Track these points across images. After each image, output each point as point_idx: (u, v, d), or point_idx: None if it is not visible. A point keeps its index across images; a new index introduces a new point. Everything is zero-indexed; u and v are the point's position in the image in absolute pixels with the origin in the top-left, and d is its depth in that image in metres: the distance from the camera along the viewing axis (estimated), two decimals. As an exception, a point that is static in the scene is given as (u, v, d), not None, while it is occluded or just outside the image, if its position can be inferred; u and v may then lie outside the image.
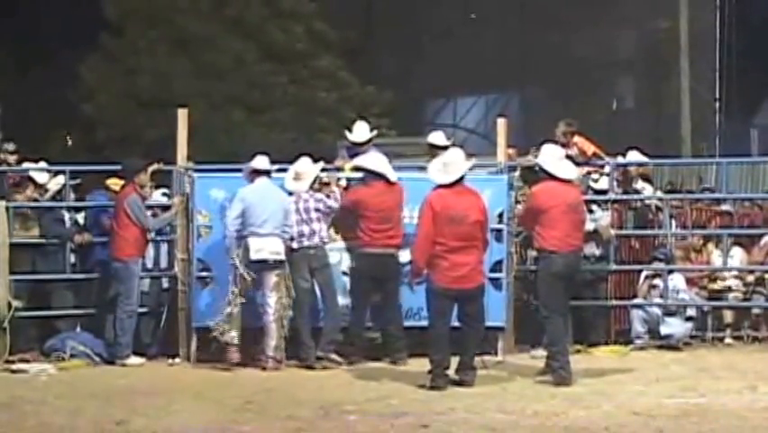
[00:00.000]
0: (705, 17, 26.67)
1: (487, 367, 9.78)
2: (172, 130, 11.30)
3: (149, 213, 11.00)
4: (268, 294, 10.29)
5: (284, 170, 11.20)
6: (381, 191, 10.47)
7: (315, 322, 10.59)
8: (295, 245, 10.47)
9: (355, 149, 11.52)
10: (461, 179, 9.26)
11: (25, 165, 11.87)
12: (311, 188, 10.60)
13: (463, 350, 9.27)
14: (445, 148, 11.42)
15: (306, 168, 10.68)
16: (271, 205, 10.31)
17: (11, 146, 12.50)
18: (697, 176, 18.25)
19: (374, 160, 10.69)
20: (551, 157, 9.56)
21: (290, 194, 10.62)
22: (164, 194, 11.62)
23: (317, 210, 10.54)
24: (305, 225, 10.47)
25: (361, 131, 11.51)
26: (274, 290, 10.30)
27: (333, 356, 10.42)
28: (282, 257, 10.30)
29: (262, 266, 10.24)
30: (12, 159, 12.26)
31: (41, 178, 11.43)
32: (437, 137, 11.74)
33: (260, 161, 10.54)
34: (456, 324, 9.37)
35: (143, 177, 10.98)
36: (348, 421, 7.86)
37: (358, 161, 10.87)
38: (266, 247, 10.23)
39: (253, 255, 10.21)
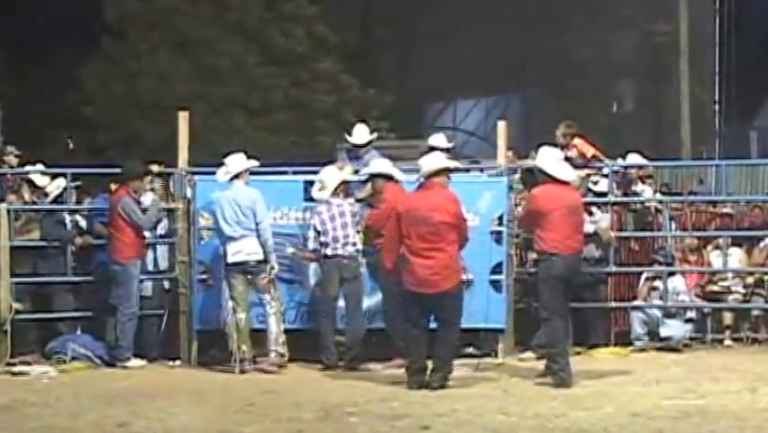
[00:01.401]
0: (704, 20, 26.72)
1: (478, 370, 9.79)
2: (173, 133, 11.32)
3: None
4: (262, 296, 10.32)
5: (283, 173, 11.25)
6: (399, 191, 10.46)
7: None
8: (329, 252, 10.40)
9: (355, 151, 11.56)
10: (437, 175, 9.24)
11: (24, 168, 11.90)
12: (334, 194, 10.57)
13: (434, 354, 9.21)
14: (446, 150, 11.48)
15: (331, 176, 10.66)
16: (237, 207, 10.27)
17: (14, 149, 12.52)
18: (697, 179, 18.29)
19: (384, 165, 10.65)
20: (549, 159, 9.56)
21: (312, 200, 10.66)
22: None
23: (354, 215, 10.50)
24: (340, 231, 10.42)
25: (360, 133, 11.55)
26: (266, 291, 10.32)
27: (362, 366, 10.36)
28: (261, 257, 10.28)
29: (243, 268, 10.27)
30: (14, 161, 12.28)
31: (40, 180, 11.44)
32: (437, 139, 11.76)
33: (221, 172, 10.46)
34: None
35: (138, 183, 10.95)
36: (349, 423, 7.87)
37: (371, 169, 10.67)
38: (243, 249, 10.25)
39: (230, 258, 10.25)
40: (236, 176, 10.42)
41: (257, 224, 10.26)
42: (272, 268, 10.36)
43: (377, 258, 10.28)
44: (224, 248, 10.34)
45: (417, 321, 9.26)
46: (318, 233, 10.45)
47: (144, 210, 10.90)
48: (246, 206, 10.27)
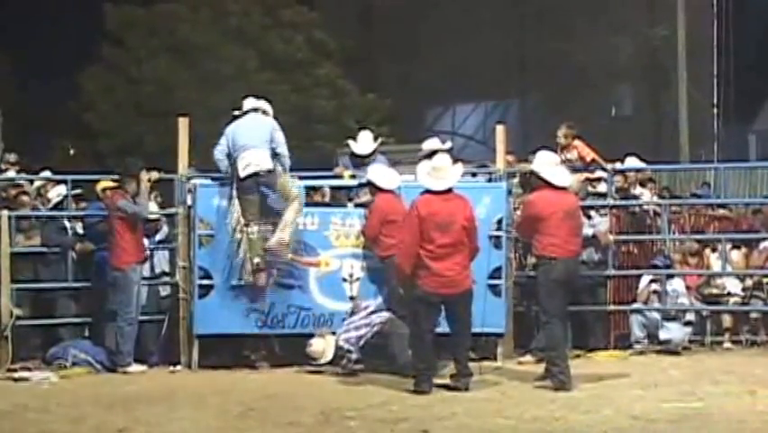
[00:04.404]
0: (703, 24, 26.78)
1: (480, 373, 9.83)
2: (173, 139, 11.35)
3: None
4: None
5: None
6: (392, 200, 10.44)
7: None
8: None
9: (360, 159, 11.45)
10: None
11: (9, 174, 11.95)
12: None
13: (456, 357, 9.29)
14: (445, 152, 11.50)
15: None
16: (253, 130, 10.59)
17: (12, 157, 12.54)
18: (700, 181, 18.30)
19: (376, 172, 10.64)
20: (545, 164, 9.56)
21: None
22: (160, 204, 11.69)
23: None
24: None
25: (365, 142, 11.44)
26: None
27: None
28: (270, 166, 10.34)
29: (255, 180, 10.27)
30: (13, 169, 12.30)
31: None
32: (432, 143, 11.64)
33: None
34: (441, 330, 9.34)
35: (133, 185, 10.92)
36: (349, 427, 7.89)
37: (372, 177, 10.61)
38: (252, 161, 10.31)
39: (242, 173, 10.28)
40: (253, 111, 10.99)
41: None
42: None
43: (394, 264, 9.90)
44: (233, 167, 10.41)
45: (431, 327, 9.26)
46: None
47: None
48: (265, 127, 10.90)
